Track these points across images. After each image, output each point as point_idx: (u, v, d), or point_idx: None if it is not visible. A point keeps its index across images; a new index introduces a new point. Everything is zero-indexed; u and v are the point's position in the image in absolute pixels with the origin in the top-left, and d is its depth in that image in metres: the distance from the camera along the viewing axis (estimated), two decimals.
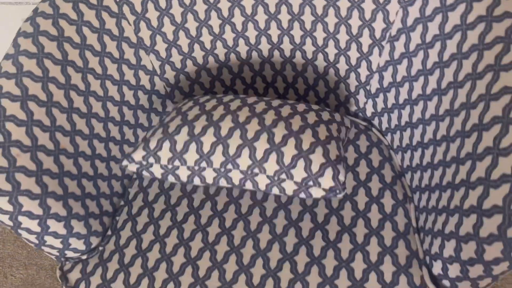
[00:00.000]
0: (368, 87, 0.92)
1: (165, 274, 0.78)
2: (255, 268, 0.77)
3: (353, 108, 0.99)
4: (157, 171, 0.80)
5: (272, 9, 0.90)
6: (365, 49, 0.88)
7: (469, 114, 0.66)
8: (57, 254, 0.81)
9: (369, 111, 0.96)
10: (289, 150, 0.73)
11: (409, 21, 0.79)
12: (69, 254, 0.82)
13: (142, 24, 0.90)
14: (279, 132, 0.75)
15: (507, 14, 0.64)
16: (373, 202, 0.83)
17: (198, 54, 0.96)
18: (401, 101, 0.85)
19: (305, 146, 0.74)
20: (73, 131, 0.79)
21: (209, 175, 0.78)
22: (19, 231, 0.73)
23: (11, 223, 0.71)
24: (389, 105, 0.89)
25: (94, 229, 0.83)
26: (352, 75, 0.93)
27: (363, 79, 0.92)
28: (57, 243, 0.78)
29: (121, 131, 0.90)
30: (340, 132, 0.81)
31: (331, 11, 0.87)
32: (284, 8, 0.89)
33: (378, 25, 0.84)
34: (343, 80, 0.95)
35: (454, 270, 0.68)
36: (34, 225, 0.72)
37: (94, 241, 0.84)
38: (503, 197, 0.57)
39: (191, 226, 0.84)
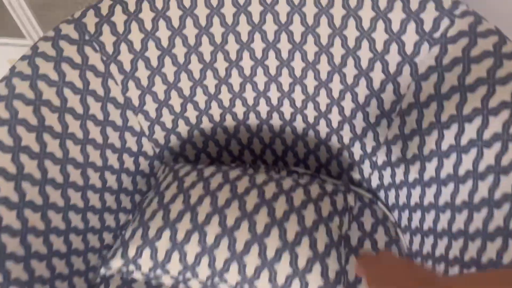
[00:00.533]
0: (374, 158, 0.85)
1: None
2: None
3: (357, 176, 0.91)
4: (139, 276, 0.73)
5: (272, 71, 0.83)
6: (372, 119, 0.81)
7: (492, 213, 0.58)
8: None
9: (374, 182, 0.88)
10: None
11: (422, 97, 0.72)
12: None
13: (131, 84, 0.82)
14: (273, 244, 0.67)
15: None
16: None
17: (192, 114, 0.89)
18: (411, 179, 0.77)
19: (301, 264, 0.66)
20: (45, 205, 0.70)
21: (195, 286, 0.70)
22: None
23: None
24: (397, 181, 0.81)
25: None
26: (357, 144, 0.86)
27: (368, 149, 0.85)
28: None
29: (101, 199, 0.82)
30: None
31: (336, 77, 0.80)
32: (285, 71, 0.83)
33: (388, 95, 0.77)
34: (347, 147, 0.87)
35: None
36: None
37: None
38: None
39: None
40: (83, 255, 0.77)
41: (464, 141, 0.65)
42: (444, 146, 0.69)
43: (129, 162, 0.87)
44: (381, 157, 0.84)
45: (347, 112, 0.83)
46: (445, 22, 0.69)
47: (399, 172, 0.80)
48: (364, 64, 0.77)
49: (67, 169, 0.74)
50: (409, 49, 0.72)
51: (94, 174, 0.80)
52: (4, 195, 0.64)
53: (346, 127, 0.85)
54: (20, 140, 0.68)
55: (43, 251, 0.69)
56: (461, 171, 0.65)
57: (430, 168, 0.72)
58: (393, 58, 0.74)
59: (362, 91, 0.80)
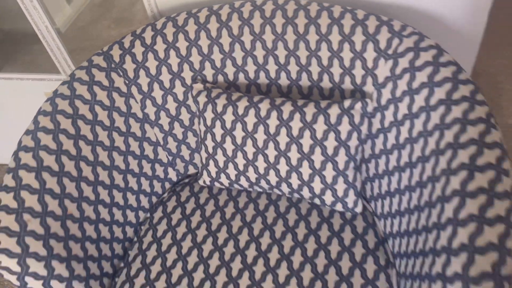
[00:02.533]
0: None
1: None
2: None
3: None
4: None
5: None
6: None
7: (449, 180, 0.73)
8: None
9: None
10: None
11: (383, 101, 0.88)
12: None
13: (148, 102, 1.01)
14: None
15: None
16: (356, 267, 0.87)
17: (199, 128, 1.07)
18: (380, 171, 0.92)
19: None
20: (80, 197, 0.87)
21: None
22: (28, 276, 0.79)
23: (18, 283, 0.78)
24: (371, 175, 0.96)
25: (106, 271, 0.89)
26: None
27: None
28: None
29: (124, 197, 0.99)
30: None
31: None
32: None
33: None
34: None
35: None
36: (38, 285, 0.79)
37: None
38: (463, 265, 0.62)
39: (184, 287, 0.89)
40: (109, 225, 0.93)
41: (414, 133, 0.80)
42: (401, 138, 0.84)
43: (147, 167, 1.04)
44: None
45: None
46: (396, 41, 0.86)
47: (371, 166, 0.95)
48: (337, 78, 0.94)
49: (96, 169, 0.92)
50: (370, 64, 0.89)
51: (118, 176, 0.97)
52: (49, 187, 0.82)
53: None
54: (62, 145, 0.86)
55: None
56: (413, 159, 0.80)
57: (392, 159, 0.87)
58: (358, 72, 0.91)
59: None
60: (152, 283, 0.91)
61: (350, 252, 0.90)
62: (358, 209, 0.96)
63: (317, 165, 0.91)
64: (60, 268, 0.81)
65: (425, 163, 0.77)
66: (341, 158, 0.90)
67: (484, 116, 0.72)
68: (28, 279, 0.78)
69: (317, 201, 0.97)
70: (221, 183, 1.03)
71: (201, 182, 1.07)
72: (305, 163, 0.92)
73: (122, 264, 0.97)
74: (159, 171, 1.08)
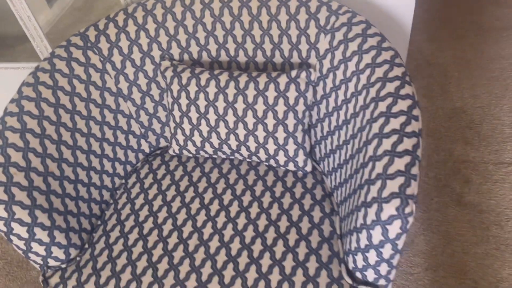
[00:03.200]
0: None
1: (129, 275, 0.94)
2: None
3: None
4: None
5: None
6: None
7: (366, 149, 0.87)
8: (41, 262, 0.97)
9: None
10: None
11: (324, 71, 1.02)
12: (51, 262, 0.98)
13: (121, 78, 1.13)
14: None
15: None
16: (304, 215, 1.01)
17: (166, 101, 1.19)
18: (325, 133, 1.06)
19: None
20: (60, 158, 0.99)
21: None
22: (11, 236, 0.90)
23: (5, 229, 0.89)
24: (318, 138, 1.10)
25: (74, 242, 1.00)
26: None
27: None
28: (41, 250, 0.94)
29: (101, 163, 1.10)
30: None
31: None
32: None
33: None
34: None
35: (360, 260, 0.84)
36: (23, 231, 0.90)
37: (73, 252, 1.00)
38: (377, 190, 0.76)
39: (154, 238, 1.00)
40: (87, 186, 1.04)
41: (348, 94, 0.95)
42: (339, 101, 0.98)
43: (121, 137, 1.16)
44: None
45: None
46: (333, 18, 1.00)
47: (318, 130, 1.09)
48: (286, 53, 1.08)
49: (75, 135, 1.03)
50: (312, 39, 1.04)
51: (95, 143, 1.09)
52: (32, 146, 0.93)
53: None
54: (43, 111, 0.98)
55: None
56: (348, 116, 0.94)
57: (333, 120, 1.01)
58: (304, 47, 1.05)
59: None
60: (126, 235, 1.02)
61: (299, 203, 1.03)
62: (308, 168, 1.10)
63: (270, 128, 1.05)
64: (42, 218, 0.92)
65: (356, 118, 0.91)
66: (290, 121, 1.04)
67: (400, 74, 0.87)
68: (14, 224, 0.88)
69: (272, 162, 1.11)
70: (189, 151, 1.16)
71: (171, 151, 1.19)
72: (260, 127, 1.05)
73: (99, 222, 1.08)
74: (133, 142, 1.20)
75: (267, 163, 1.13)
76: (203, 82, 1.06)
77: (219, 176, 1.12)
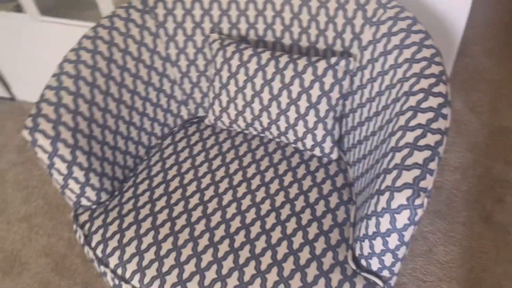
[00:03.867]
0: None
1: (149, 225, 1.01)
2: None
3: None
4: None
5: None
6: None
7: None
8: (75, 199, 1.07)
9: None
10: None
11: (363, 62, 1.04)
12: (83, 202, 1.07)
13: (172, 44, 1.20)
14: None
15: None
16: (321, 199, 1.03)
17: (211, 71, 1.25)
18: (355, 123, 1.07)
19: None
20: (105, 108, 1.07)
21: None
22: (52, 170, 0.99)
23: (48, 162, 0.98)
24: (349, 128, 1.11)
25: (106, 187, 1.08)
26: None
27: None
28: (76, 188, 1.03)
29: (141, 120, 1.18)
30: None
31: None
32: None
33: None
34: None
35: (366, 247, 0.86)
36: (63, 167, 0.99)
37: (104, 196, 1.09)
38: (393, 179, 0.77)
39: (177, 196, 1.07)
40: (125, 139, 1.12)
41: (383, 87, 0.96)
42: (373, 92, 1.00)
43: (163, 100, 1.23)
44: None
45: None
46: (380, 11, 1.02)
47: (349, 120, 1.10)
48: (330, 41, 1.11)
49: (121, 90, 1.12)
50: (357, 29, 1.05)
51: (138, 100, 1.17)
52: (82, 92, 1.02)
53: None
54: (97, 63, 1.07)
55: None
56: (379, 108, 0.96)
57: (365, 111, 1.02)
58: (348, 36, 1.07)
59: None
60: (152, 189, 1.10)
61: (319, 187, 1.06)
62: (334, 155, 1.12)
63: (302, 110, 1.08)
64: (81, 158, 1.01)
65: (386, 110, 0.93)
66: (323, 107, 1.06)
67: (437, 72, 0.87)
68: (56, 159, 0.98)
69: (299, 145, 1.14)
70: (223, 122, 1.21)
71: (206, 121, 1.25)
72: (292, 108, 1.08)
73: (131, 174, 1.17)
74: (173, 106, 1.27)
75: (294, 145, 1.16)
76: (245, 58, 1.11)
77: (247, 151, 1.17)
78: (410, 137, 0.80)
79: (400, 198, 0.74)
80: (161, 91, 1.22)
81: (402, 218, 0.75)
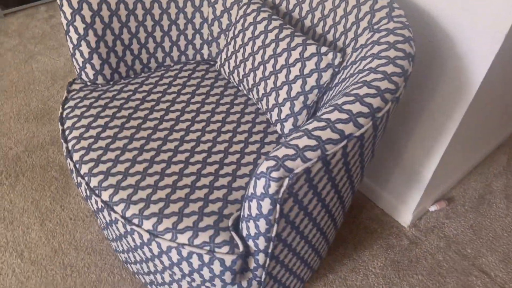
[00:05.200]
0: None
1: (109, 117, 1.17)
2: None
3: None
4: None
5: None
6: None
7: None
8: (78, 71, 1.27)
9: None
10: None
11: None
12: (83, 75, 1.26)
13: None
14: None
15: None
16: (244, 154, 1.08)
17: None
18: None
19: None
20: (131, 10, 1.24)
21: None
22: (67, 37, 1.20)
23: (65, 28, 1.19)
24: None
25: (104, 73, 1.27)
26: None
27: None
28: (80, 61, 1.23)
29: (163, 37, 1.33)
30: None
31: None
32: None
33: None
34: None
35: (245, 209, 0.90)
36: (75, 38, 1.19)
37: (100, 80, 1.27)
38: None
39: (148, 105, 1.21)
40: (140, 46, 1.29)
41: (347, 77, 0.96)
42: (341, 88, 1.00)
43: (189, 31, 1.37)
44: None
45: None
46: (384, 21, 1.00)
47: None
48: (337, 35, 1.12)
49: (153, 3, 1.27)
50: (359, 31, 1.05)
51: (166, 20, 1.31)
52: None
53: None
54: None
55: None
56: None
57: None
58: (351, 35, 1.08)
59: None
60: (135, 92, 1.25)
61: (252, 144, 1.10)
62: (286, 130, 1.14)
63: (278, 83, 1.12)
64: (91, 39, 1.20)
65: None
66: (296, 87, 1.09)
67: (389, 71, 0.85)
68: (71, 28, 1.18)
69: (268, 116, 1.18)
70: (224, 71, 1.31)
71: (216, 66, 1.36)
72: (272, 77, 1.13)
73: (133, 76, 1.33)
74: (197, 41, 1.39)
75: (267, 115, 1.21)
76: (259, 18, 1.18)
77: (229, 102, 1.25)
78: (310, 125, 0.81)
79: (263, 166, 0.77)
80: (191, 22, 1.36)
81: (260, 185, 0.78)
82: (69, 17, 1.17)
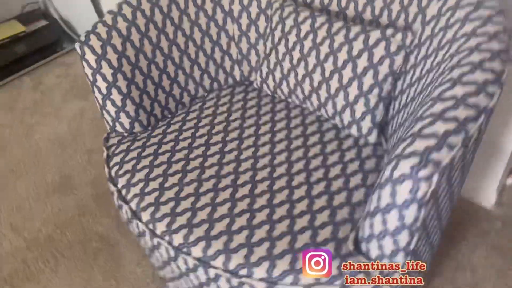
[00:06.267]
0: None
1: (165, 159, 1.02)
2: None
3: None
4: None
5: None
6: None
7: None
8: (111, 123, 1.12)
9: None
10: None
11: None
12: (117, 127, 1.12)
13: (236, 0, 1.21)
14: None
15: None
16: (342, 176, 0.95)
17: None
18: (401, 106, 0.97)
19: None
20: (156, 44, 1.12)
21: None
22: (94, 87, 1.06)
23: (91, 79, 1.05)
24: (394, 112, 1.01)
25: (140, 119, 1.13)
26: None
27: None
28: (112, 111, 1.09)
29: (191, 67, 1.21)
30: None
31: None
32: None
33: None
34: None
35: (366, 227, 0.76)
36: (103, 87, 1.05)
37: (137, 128, 1.13)
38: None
39: (201, 141, 1.07)
40: (171, 80, 1.16)
41: (434, 64, 0.85)
42: (424, 70, 0.89)
43: (217, 54, 1.25)
44: None
45: None
46: None
47: (397, 103, 1.00)
48: (394, 15, 1.01)
49: (177, 32, 1.15)
50: (424, 2, 0.95)
51: (192, 47, 1.19)
52: (138, 23, 1.08)
53: None
54: (154, 15, 1.12)
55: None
56: (425, 86, 0.85)
57: (412, 91, 0.92)
58: (413, 9, 0.97)
59: None
60: (181, 131, 1.11)
61: (344, 165, 0.97)
62: (372, 138, 1.02)
63: (345, 80, 1.00)
64: (122, 83, 1.06)
65: (429, 86, 0.81)
66: (368, 80, 0.98)
67: (495, 49, 0.74)
68: (98, 77, 1.04)
69: (337, 120, 1.06)
70: (268, 86, 1.18)
71: (254, 84, 1.24)
72: (335, 76, 1.01)
73: (169, 116, 1.19)
74: (227, 64, 1.27)
75: (333, 121, 1.09)
76: (300, 19, 1.07)
77: (283, 118, 1.12)
78: (437, 108, 0.69)
79: (404, 167, 0.64)
80: (217, 44, 1.24)
81: (403, 191, 0.65)
82: (94, 65, 1.03)
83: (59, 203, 1.58)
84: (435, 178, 0.63)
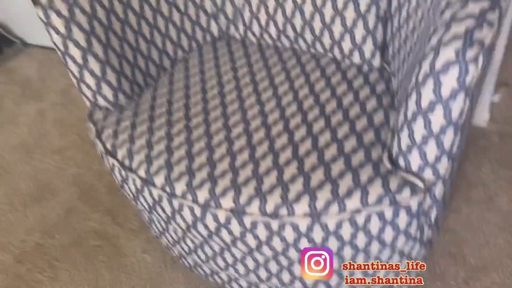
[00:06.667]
0: None
1: (163, 120, 0.93)
2: None
3: None
4: None
5: None
6: None
7: None
8: (92, 98, 1.01)
9: None
10: None
11: None
12: (100, 101, 1.01)
13: None
14: None
15: None
16: (357, 102, 0.90)
17: None
18: (401, 23, 0.93)
19: None
20: (127, 4, 1.01)
21: None
22: (66, 57, 0.94)
23: (62, 48, 0.93)
24: (394, 31, 0.97)
25: (124, 88, 1.02)
26: None
27: None
28: (92, 83, 0.98)
29: (166, 26, 1.11)
30: None
31: None
32: None
33: None
34: None
35: (404, 138, 0.72)
36: (78, 54, 0.94)
37: (122, 99, 1.02)
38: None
39: (196, 99, 0.98)
40: (149, 43, 1.05)
41: None
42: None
43: (191, 10, 1.16)
44: None
45: None
46: None
47: (395, 20, 0.96)
48: None
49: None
50: None
51: (165, 5, 1.09)
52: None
53: None
54: None
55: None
56: None
57: (411, 7, 0.88)
58: None
59: None
60: (172, 102, 1.01)
61: (355, 92, 0.92)
62: (376, 61, 0.98)
63: (340, 4, 0.95)
64: (98, 48, 0.95)
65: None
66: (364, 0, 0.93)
67: None
68: (70, 44, 0.92)
69: (336, 51, 1.01)
70: (253, 33, 1.11)
71: (237, 34, 1.16)
72: (329, 3, 0.96)
73: (152, 83, 1.09)
74: (202, 19, 1.18)
75: (330, 54, 1.03)
76: None
77: (276, 61, 1.05)
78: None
79: (447, 53, 0.60)
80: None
81: (450, 80, 0.61)
82: (63, 30, 0.91)
83: (40, 210, 1.43)
84: (480, 58, 0.59)
